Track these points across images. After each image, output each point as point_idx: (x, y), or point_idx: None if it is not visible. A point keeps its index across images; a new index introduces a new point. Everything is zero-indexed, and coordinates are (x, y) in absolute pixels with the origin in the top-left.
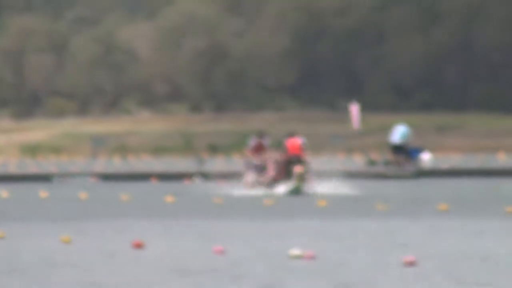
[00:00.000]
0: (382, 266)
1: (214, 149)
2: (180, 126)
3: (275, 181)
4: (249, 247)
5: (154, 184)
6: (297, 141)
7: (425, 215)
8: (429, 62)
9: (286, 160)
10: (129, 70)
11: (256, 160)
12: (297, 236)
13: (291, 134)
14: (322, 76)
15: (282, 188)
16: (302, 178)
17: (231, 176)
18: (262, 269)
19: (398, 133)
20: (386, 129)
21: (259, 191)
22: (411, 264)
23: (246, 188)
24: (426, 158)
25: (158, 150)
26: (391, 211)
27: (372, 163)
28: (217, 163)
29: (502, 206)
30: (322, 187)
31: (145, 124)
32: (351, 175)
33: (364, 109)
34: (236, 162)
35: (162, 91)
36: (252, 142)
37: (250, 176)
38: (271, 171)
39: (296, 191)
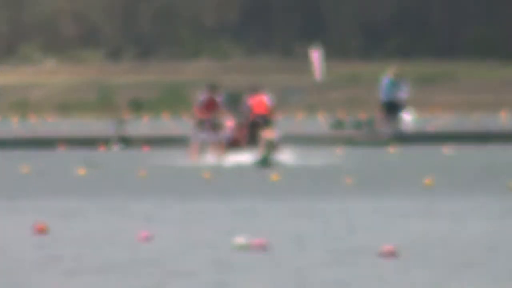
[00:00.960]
0: (350, 258)
1: (137, 107)
2: (95, 77)
3: (235, 146)
4: (181, 234)
5: (62, 152)
6: (263, 98)
7: (403, 192)
8: None
9: (251, 122)
10: (29, 7)
11: (207, 119)
12: (242, 220)
13: (255, 90)
14: (274, 14)
15: (246, 157)
16: (271, 145)
17: (161, 141)
18: (199, 263)
19: (381, 86)
20: (355, 80)
21: (210, 160)
22: (389, 255)
23: (192, 157)
24: (407, 118)
25: (67, 108)
26: (361, 188)
27: (338, 124)
28: (142, 125)
29: (503, 180)
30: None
31: (50, 75)
32: (312, 140)
33: (328, 55)
34: (166, 124)
35: (71, 33)
36: (202, 97)
37: (199, 141)
38: (230, 132)
39: (264, 162)
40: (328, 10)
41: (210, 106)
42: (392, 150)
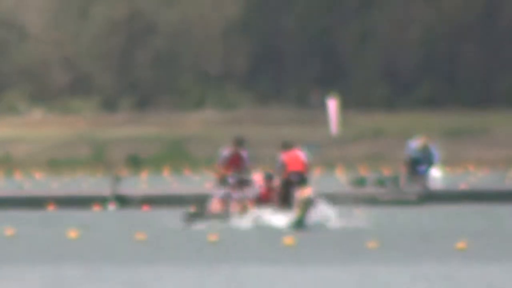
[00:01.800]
0: None
1: (135, 163)
2: (87, 129)
3: (264, 203)
4: None
5: (51, 212)
6: (298, 154)
7: (430, 257)
8: (437, 40)
9: (285, 180)
10: (14, 52)
11: (232, 177)
12: None
13: (288, 145)
14: (287, 60)
15: (281, 220)
16: (307, 205)
17: (161, 200)
18: None
19: (407, 146)
20: (378, 133)
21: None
22: None
23: (216, 209)
24: (435, 175)
25: (57, 164)
26: (386, 252)
27: (360, 181)
28: (140, 183)
29: None
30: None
31: (38, 127)
32: (330, 198)
33: (347, 106)
34: (167, 181)
35: (61, 81)
36: (226, 152)
37: (221, 195)
38: (258, 187)
39: (299, 224)
40: (348, 56)
41: (235, 162)
42: (420, 210)
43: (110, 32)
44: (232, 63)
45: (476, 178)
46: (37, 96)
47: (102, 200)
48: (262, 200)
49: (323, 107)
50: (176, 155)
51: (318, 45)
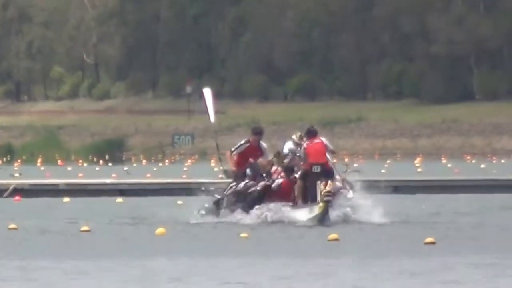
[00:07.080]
0: None
1: (8, 152)
2: None
3: (284, 199)
4: None
5: None
6: (320, 143)
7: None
8: (312, 29)
9: (305, 172)
10: None
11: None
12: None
13: (312, 133)
14: (160, 49)
15: (302, 215)
16: (329, 198)
17: (34, 190)
18: None
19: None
20: (253, 123)
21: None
22: None
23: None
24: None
25: None
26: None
27: (225, 172)
28: (13, 172)
29: (421, 239)
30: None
31: None
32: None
33: (221, 96)
34: (40, 171)
35: None
36: (243, 142)
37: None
38: (282, 181)
39: (321, 218)
40: (222, 46)
41: (252, 154)
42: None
43: None
44: (103, 51)
45: (351, 169)
46: None
47: None
48: (283, 193)
49: (197, 96)
50: (49, 144)
51: (193, 34)
